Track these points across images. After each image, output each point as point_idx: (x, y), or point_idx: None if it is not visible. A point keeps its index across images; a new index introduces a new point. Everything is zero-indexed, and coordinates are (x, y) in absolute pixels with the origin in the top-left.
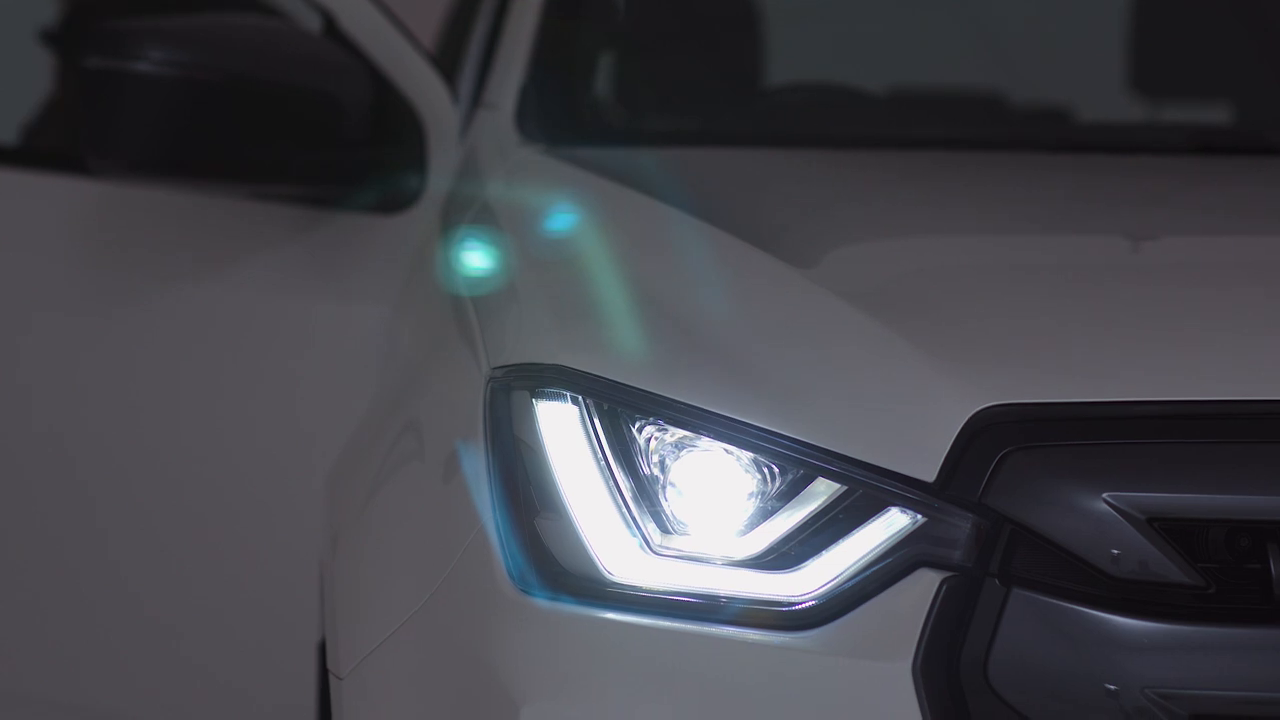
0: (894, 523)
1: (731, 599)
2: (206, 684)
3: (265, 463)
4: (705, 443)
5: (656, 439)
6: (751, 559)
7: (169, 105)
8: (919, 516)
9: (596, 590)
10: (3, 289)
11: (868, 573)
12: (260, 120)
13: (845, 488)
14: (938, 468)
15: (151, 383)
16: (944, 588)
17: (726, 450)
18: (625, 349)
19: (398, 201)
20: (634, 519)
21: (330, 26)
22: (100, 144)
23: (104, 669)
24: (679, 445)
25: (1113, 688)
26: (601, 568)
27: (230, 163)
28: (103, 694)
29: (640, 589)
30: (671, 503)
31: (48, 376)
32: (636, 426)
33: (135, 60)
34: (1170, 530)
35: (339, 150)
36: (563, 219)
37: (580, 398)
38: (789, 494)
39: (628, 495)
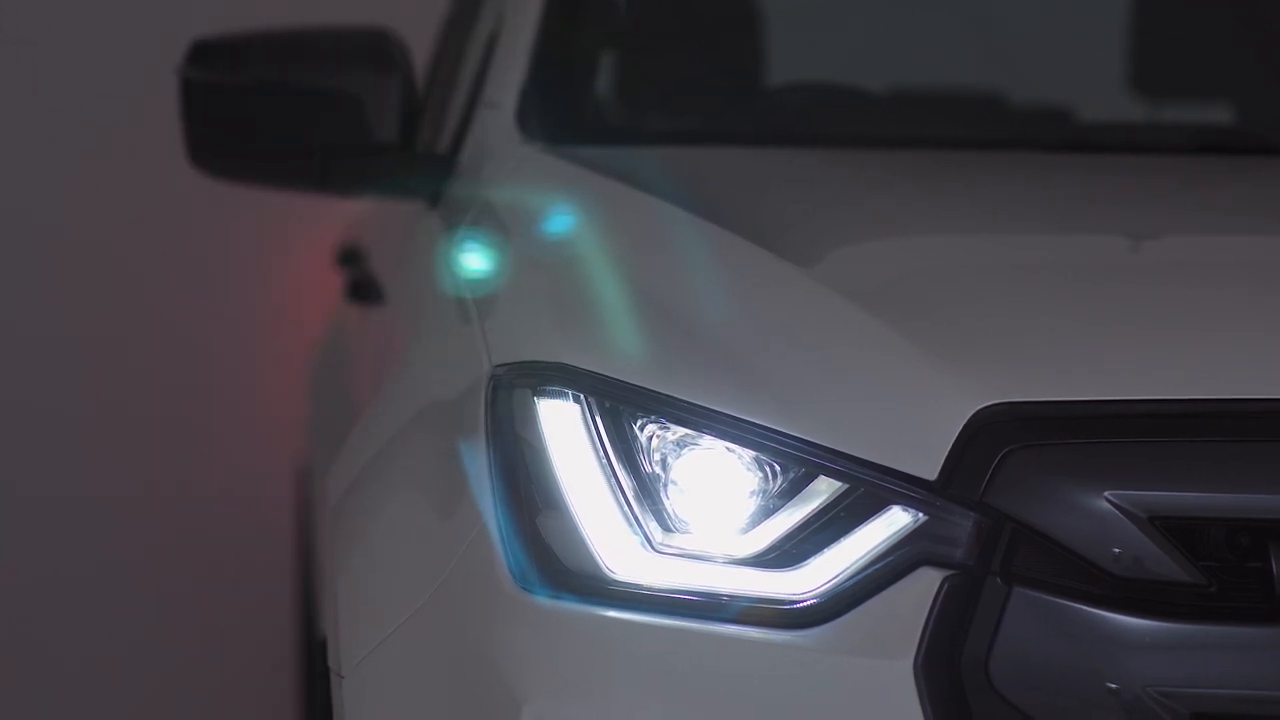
0: (895, 521)
1: (733, 597)
2: None
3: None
4: (707, 441)
5: (658, 437)
6: (753, 557)
7: (229, 111)
8: (920, 515)
9: (598, 588)
10: None
11: (869, 571)
12: (302, 122)
13: (847, 486)
14: (939, 466)
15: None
16: (945, 586)
17: (728, 448)
18: (627, 347)
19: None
20: (636, 517)
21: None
22: (199, 148)
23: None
24: (681, 443)
25: (1114, 686)
26: (603, 566)
27: (285, 164)
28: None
29: (642, 587)
30: (673, 501)
31: None
32: (638, 424)
33: (201, 69)
34: (1171, 529)
35: (370, 152)
36: (564, 218)
37: (582, 396)
38: (790, 492)
39: (629, 493)
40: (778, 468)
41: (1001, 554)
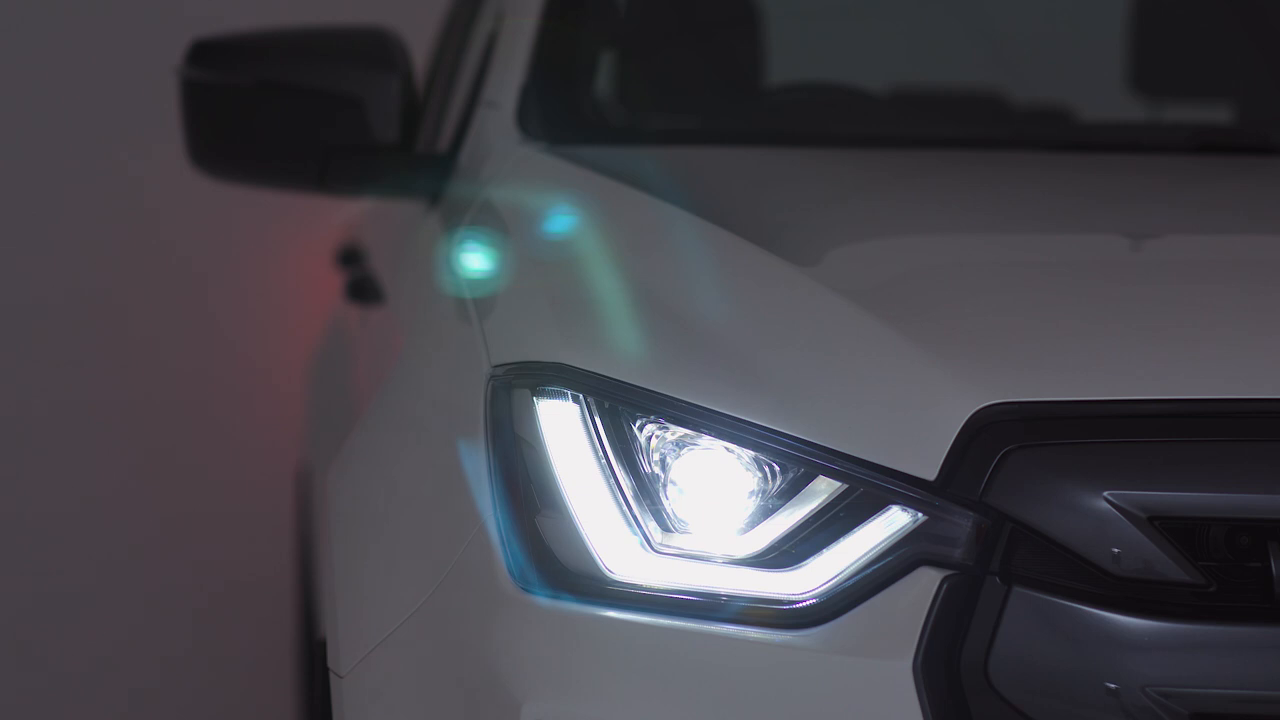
0: (895, 521)
1: (732, 597)
2: None
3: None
4: (706, 441)
5: (657, 437)
6: (752, 557)
7: (229, 111)
8: (920, 515)
9: (597, 588)
10: None
11: (868, 571)
12: (301, 122)
13: (846, 486)
14: (939, 466)
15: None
16: (945, 586)
17: (727, 448)
18: (626, 347)
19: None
20: (635, 517)
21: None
22: (200, 148)
23: None
24: (680, 443)
25: (1113, 686)
26: (602, 566)
27: (281, 164)
28: None
29: (641, 587)
30: (672, 501)
31: None
32: (637, 425)
33: (198, 70)
34: (1171, 529)
35: (370, 152)
36: (564, 218)
37: (581, 396)
38: (790, 492)
39: (629, 493)
40: (777, 468)
41: (1001, 554)
